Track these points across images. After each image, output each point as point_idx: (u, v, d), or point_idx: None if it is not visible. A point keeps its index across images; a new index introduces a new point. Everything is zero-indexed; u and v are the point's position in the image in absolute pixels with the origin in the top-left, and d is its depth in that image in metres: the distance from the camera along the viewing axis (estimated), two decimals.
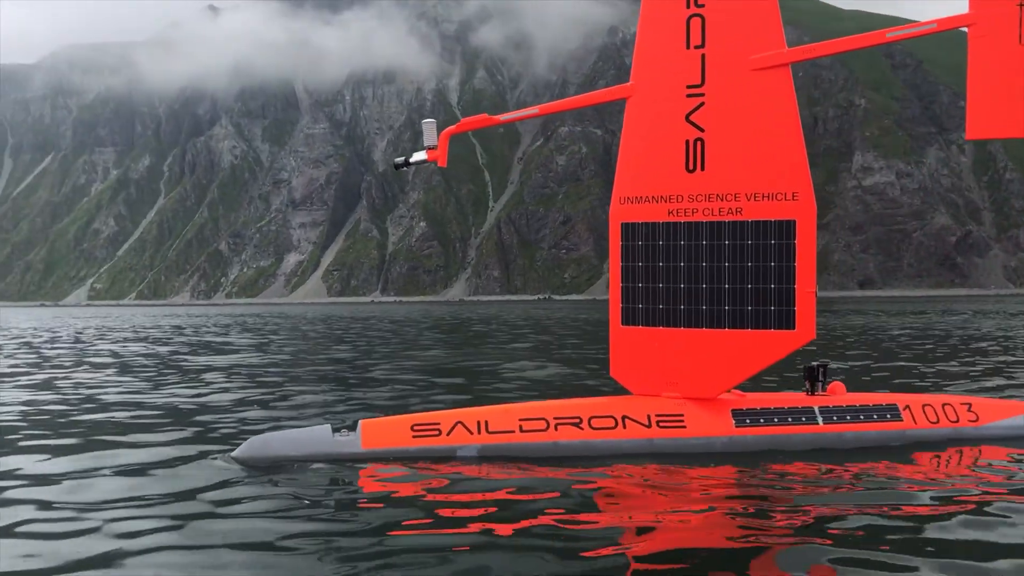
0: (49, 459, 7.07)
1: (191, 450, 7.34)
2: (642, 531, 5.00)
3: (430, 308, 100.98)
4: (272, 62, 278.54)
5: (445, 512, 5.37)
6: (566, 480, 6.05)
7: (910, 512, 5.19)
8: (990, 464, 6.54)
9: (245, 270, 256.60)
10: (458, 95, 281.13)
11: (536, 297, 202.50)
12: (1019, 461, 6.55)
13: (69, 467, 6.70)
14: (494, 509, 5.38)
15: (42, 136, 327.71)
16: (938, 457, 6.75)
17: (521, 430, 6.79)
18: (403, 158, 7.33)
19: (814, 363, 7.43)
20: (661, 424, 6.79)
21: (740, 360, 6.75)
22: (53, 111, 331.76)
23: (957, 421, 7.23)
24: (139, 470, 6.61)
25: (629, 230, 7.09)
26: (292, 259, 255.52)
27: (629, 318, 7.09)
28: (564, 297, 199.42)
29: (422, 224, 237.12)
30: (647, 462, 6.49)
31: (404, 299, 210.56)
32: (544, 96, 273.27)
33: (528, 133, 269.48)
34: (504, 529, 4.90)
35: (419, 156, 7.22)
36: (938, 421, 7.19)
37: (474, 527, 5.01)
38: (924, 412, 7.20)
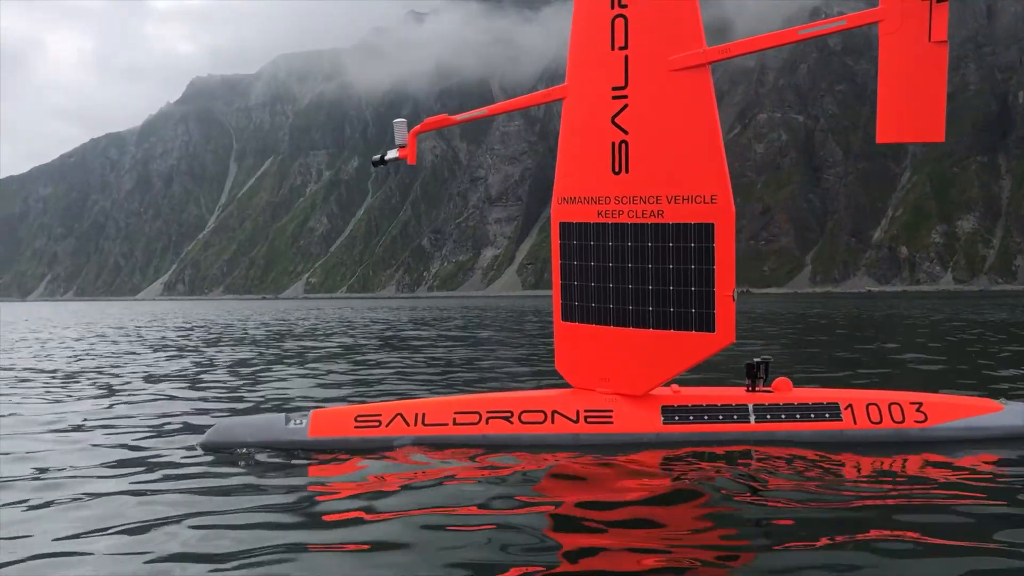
0: None
1: None
2: (569, 520, 5.02)
3: None
4: (470, 63, 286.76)
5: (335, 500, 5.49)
6: (492, 469, 6.15)
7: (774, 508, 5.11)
8: (888, 467, 6.10)
9: (445, 264, 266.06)
10: None
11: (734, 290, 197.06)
12: (932, 465, 6.09)
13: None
14: (415, 498, 5.42)
15: (262, 141, 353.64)
16: (859, 459, 6.32)
17: (455, 423, 6.99)
18: (379, 155, 7.51)
19: (755, 359, 7.21)
20: (589, 420, 6.87)
21: (664, 360, 6.74)
22: (272, 117, 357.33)
23: (902, 422, 6.81)
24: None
25: (566, 229, 7.03)
26: (488, 253, 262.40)
27: (567, 314, 7.12)
28: (763, 291, 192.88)
29: None
30: (579, 453, 6.56)
31: None
32: (741, 83, 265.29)
33: (725, 122, 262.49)
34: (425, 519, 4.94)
35: (392, 154, 7.41)
36: (880, 421, 6.81)
37: (386, 515, 5.05)
38: (867, 412, 6.84)
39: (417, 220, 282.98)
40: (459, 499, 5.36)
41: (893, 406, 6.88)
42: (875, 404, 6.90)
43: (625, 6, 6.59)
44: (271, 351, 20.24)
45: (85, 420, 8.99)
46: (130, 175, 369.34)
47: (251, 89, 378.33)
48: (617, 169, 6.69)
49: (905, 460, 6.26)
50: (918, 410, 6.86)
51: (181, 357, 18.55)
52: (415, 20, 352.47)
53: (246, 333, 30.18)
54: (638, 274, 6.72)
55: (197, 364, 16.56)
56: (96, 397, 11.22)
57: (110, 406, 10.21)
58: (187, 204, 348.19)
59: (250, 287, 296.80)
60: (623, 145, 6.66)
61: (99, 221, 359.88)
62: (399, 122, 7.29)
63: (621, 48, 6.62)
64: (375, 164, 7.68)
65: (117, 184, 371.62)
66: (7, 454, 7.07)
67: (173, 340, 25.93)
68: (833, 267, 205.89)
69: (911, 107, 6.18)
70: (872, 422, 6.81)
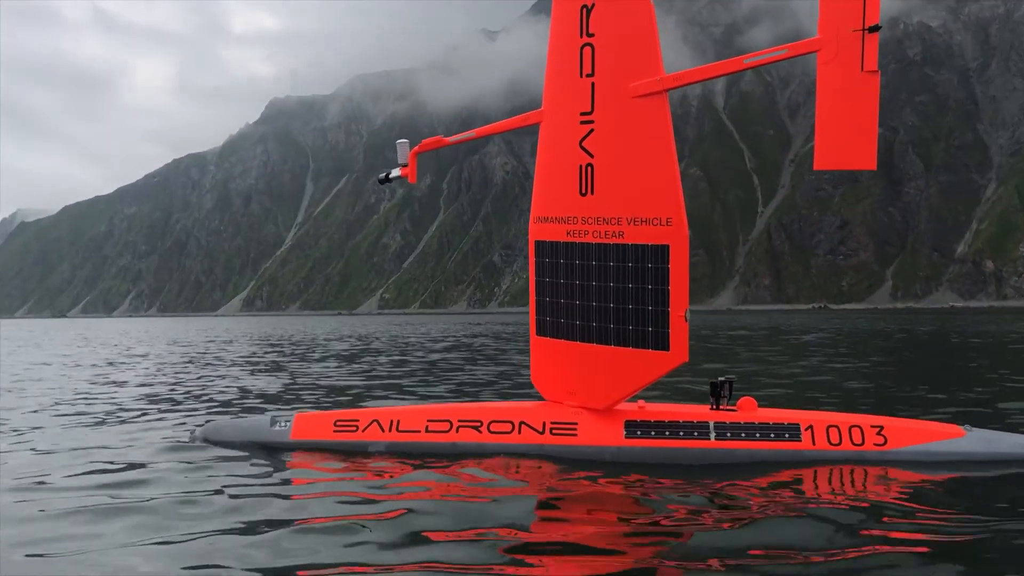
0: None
1: None
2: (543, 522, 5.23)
3: (705, 318, 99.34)
4: (541, 79, 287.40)
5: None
6: (463, 475, 6.38)
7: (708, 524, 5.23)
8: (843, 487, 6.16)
9: (516, 280, 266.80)
10: (724, 99, 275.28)
11: (810, 306, 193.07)
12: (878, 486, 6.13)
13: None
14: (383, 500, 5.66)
15: (338, 160, 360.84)
16: (816, 479, 6.39)
17: (427, 430, 7.32)
18: (384, 174, 7.89)
19: (720, 378, 7.34)
20: (554, 432, 7.11)
21: (623, 376, 6.92)
22: (347, 137, 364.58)
23: (862, 444, 6.88)
24: None
25: (540, 247, 7.29)
26: None
27: (541, 329, 7.35)
28: (841, 306, 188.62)
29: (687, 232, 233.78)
30: (542, 463, 6.78)
31: None
32: (815, 95, 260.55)
33: (800, 134, 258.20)
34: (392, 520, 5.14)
35: (395, 172, 7.77)
36: (840, 443, 6.89)
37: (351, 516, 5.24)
38: (827, 433, 6.93)
39: (488, 236, 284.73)
40: (410, 506, 5.55)
41: (854, 428, 6.96)
42: (836, 426, 6.98)
43: (592, 35, 6.81)
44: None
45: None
46: (211, 194, 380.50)
47: (327, 109, 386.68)
48: (584, 191, 6.94)
49: (865, 480, 6.32)
50: (878, 433, 6.93)
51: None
52: (487, 38, 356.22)
53: (418, 344, 30.72)
54: (601, 292, 6.95)
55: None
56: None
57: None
58: (265, 222, 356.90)
59: (326, 303, 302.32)
60: (589, 168, 6.90)
61: (181, 239, 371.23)
62: (401, 143, 7.66)
63: (588, 75, 6.87)
64: (380, 182, 8.06)
65: (198, 203, 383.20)
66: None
67: (408, 351, 26.51)
68: (915, 282, 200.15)
69: (845, 135, 6.33)
70: (831, 444, 6.88)
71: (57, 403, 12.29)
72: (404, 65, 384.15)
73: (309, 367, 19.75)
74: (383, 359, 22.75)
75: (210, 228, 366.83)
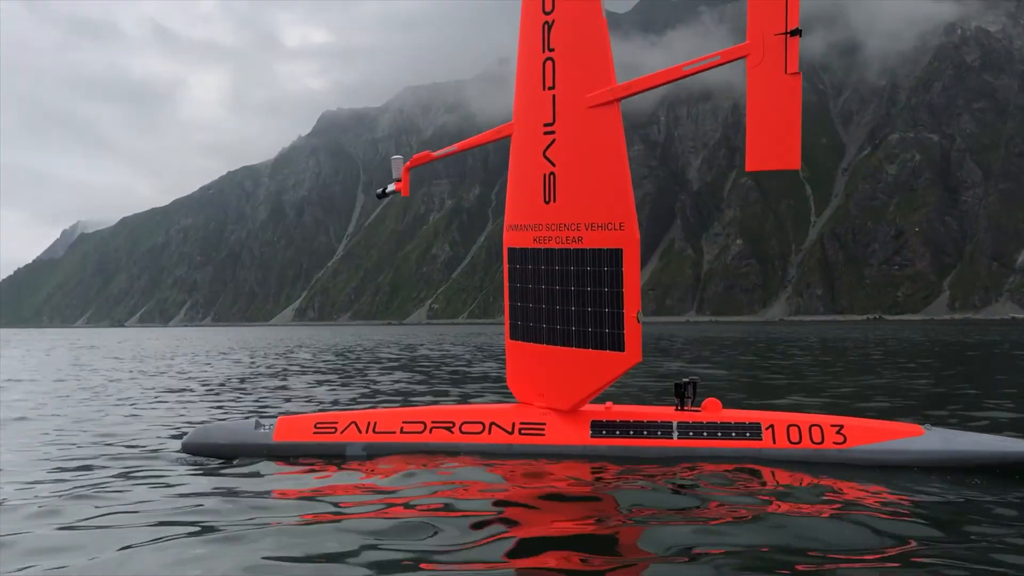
0: None
1: None
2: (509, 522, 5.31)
3: (750, 329, 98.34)
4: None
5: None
6: (430, 474, 6.60)
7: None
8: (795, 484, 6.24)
9: None
10: None
11: (865, 317, 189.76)
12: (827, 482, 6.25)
13: None
14: (364, 501, 5.81)
15: (388, 172, 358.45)
16: (775, 476, 6.49)
17: (402, 431, 7.58)
18: (381, 189, 8.23)
19: (684, 379, 7.52)
20: (523, 432, 7.35)
21: (585, 377, 7.15)
22: (397, 148, 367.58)
23: (821, 443, 6.98)
24: None
25: (512, 254, 7.56)
26: None
27: (514, 333, 7.59)
28: (896, 317, 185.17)
29: (738, 242, 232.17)
30: (511, 462, 6.99)
31: (720, 319, 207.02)
32: (871, 103, 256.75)
33: (853, 143, 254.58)
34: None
35: (391, 187, 8.18)
36: (800, 442, 7.01)
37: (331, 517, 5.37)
38: (787, 432, 7.05)
39: None
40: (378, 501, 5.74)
41: (814, 427, 7.07)
42: (796, 425, 7.11)
43: (553, 49, 7.15)
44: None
45: None
46: (264, 206, 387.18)
47: (378, 122, 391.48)
48: (547, 199, 7.23)
49: (822, 477, 6.41)
50: (838, 432, 7.02)
51: None
52: None
53: None
54: (564, 296, 7.21)
55: None
56: None
57: None
58: (317, 233, 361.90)
59: (376, 313, 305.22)
60: (552, 176, 7.19)
61: (235, 250, 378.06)
62: (396, 158, 8.06)
63: (550, 88, 7.18)
64: (379, 197, 8.40)
65: (252, 214, 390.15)
66: None
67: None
68: (973, 292, 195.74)
69: (772, 136, 6.54)
70: (791, 442, 7.01)
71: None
72: (454, 77, 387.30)
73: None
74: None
75: (263, 239, 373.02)
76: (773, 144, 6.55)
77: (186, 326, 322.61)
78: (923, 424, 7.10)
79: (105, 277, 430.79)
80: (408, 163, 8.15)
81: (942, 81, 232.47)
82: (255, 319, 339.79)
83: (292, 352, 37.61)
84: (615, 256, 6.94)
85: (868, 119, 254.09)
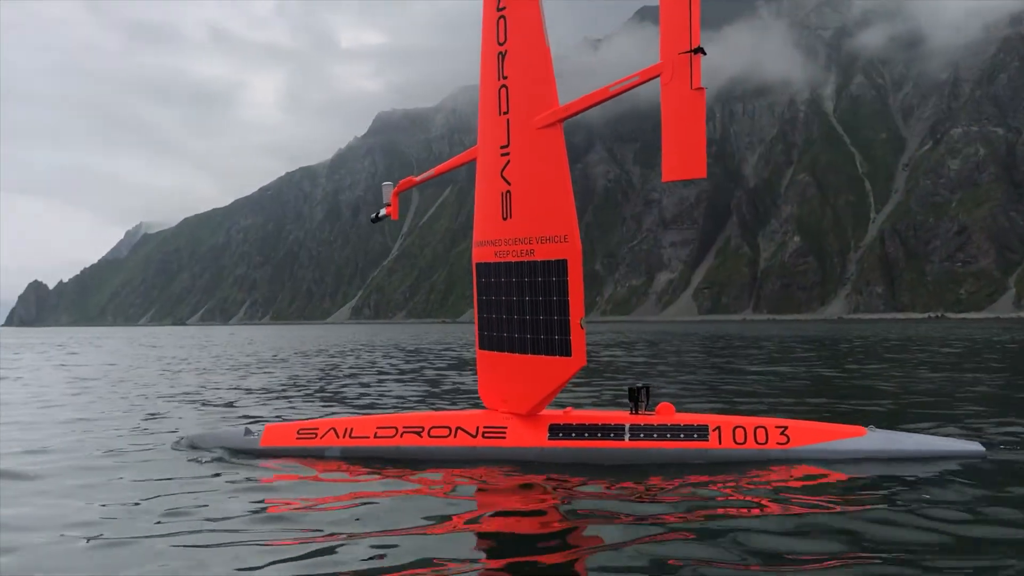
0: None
1: None
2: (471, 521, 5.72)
3: (806, 327, 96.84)
4: (646, 87, 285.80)
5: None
6: (391, 476, 7.13)
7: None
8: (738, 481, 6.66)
9: (618, 289, 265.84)
10: (834, 103, 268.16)
11: (926, 315, 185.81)
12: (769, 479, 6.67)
13: None
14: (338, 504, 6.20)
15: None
16: (714, 475, 6.88)
17: (375, 436, 8.11)
18: (375, 214, 9.00)
19: (638, 384, 7.95)
20: (486, 435, 7.82)
21: (538, 382, 7.61)
22: (451, 148, 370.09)
23: (765, 443, 7.40)
24: None
25: (479, 269, 8.08)
26: (663, 278, 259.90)
27: (482, 343, 8.09)
28: (960, 315, 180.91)
29: (796, 239, 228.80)
30: (473, 464, 7.50)
31: (777, 317, 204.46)
32: (932, 97, 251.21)
33: (915, 137, 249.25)
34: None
35: (383, 212, 8.92)
36: (744, 442, 7.41)
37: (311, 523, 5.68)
38: (733, 434, 7.45)
39: (590, 244, 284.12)
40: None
41: (759, 429, 7.50)
42: (742, 427, 7.54)
43: (506, 77, 7.72)
44: None
45: None
46: (321, 206, 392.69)
47: (432, 121, 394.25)
48: (505, 215, 7.77)
49: (766, 476, 6.83)
50: (782, 433, 7.45)
51: None
52: (590, 47, 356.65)
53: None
54: (520, 306, 7.73)
55: None
56: None
57: None
58: (373, 233, 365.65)
59: (430, 311, 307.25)
60: (508, 195, 7.75)
61: (293, 250, 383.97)
62: (386, 185, 8.85)
63: (504, 113, 7.74)
64: (372, 221, 9.21)
65: (310, 214, 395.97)
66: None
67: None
68: None
69: (681, 148, 6.99)
70: (736, 443, 7.44)
71: None
72: None
73: None
74: None
75: (320, 239, 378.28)
76: (685, 155, 6.99)
77: (246, 324, 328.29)
78: (866, 426, 7.53)
79: (167, 276, 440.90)
80: (396, 188, 8.91)
81: (1007, 73, 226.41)
82: (312, 317, 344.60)
83: (369, 351, 38.33)
84: (561, 266, 7.41)
85: (929, 113, 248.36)
